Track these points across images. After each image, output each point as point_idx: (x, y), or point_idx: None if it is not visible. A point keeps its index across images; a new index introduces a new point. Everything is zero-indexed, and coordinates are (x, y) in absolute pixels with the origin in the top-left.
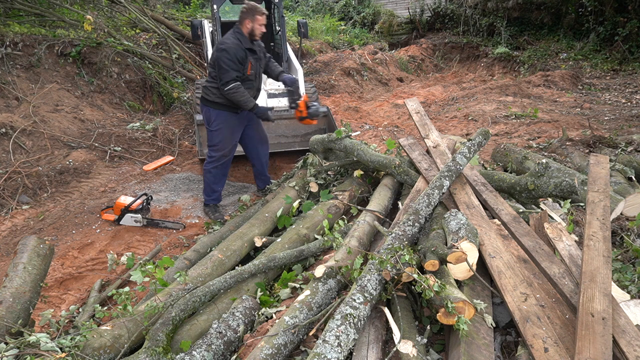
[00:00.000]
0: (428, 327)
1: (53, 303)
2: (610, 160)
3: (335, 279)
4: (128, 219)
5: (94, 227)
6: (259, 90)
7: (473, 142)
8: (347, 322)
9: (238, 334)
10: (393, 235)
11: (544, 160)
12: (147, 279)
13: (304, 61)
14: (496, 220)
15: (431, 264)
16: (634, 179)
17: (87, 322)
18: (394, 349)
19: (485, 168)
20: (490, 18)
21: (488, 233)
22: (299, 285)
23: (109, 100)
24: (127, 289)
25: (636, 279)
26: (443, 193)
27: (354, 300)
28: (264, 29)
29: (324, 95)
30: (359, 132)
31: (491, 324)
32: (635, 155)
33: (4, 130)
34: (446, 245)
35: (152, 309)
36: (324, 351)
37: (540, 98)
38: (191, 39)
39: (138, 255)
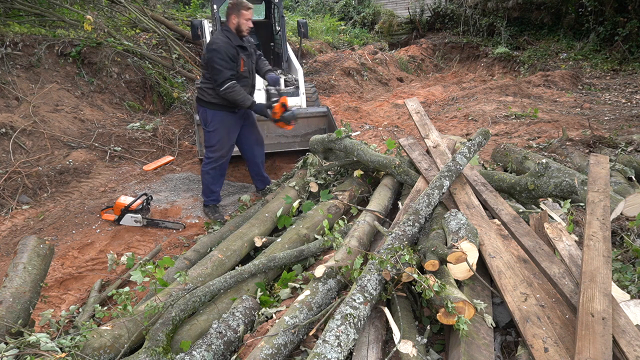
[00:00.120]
0: (428, 327)
1: (53, 303)
2: (610, 160)
3: (335, 279)
4: (128, 219)
5: (94, 227)
6: (253, 86)
7: (473, 142)
8: (347, 322)
9: (238, 334)
10: (393, 235)
11: (544, 160)
12: (147, 279)
13: (304, 61)
14: (496, 220)
15: (431, 264)
16: (634, 179)
17: (87, 322)
18: (394, 349)
19: (485, 168)
20: (490, 18)
21: (488, 233)
22: (299, 285)
23: (109, 100)
24: (127, 289)
25: (636, 279)
26: (443, 193)
27: (354, 300)
28: (250, 24)
29: (324, 95)
30: (359, 132)
31: (491, 324)
32: (635, 155)
33: (4, 130)
34: (446, 245)
35: (152, 309)
36: (324, 351)
37: (540, 98)
38: (191, 39)
39: (138, 255)
